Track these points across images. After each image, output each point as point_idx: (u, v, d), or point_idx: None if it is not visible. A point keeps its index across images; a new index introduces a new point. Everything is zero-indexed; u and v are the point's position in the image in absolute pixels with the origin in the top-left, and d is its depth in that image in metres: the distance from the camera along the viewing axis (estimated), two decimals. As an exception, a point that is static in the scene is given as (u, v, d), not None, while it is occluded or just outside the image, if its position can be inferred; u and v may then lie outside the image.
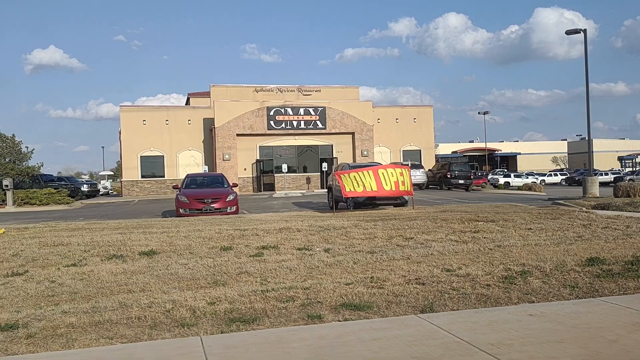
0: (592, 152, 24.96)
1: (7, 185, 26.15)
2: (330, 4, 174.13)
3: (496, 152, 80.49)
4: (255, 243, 10.60)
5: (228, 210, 16.47)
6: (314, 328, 4.73)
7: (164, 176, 38.95)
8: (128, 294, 7.00)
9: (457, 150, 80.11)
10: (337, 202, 20.29)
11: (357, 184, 15.16)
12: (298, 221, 13.74)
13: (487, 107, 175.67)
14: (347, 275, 7.61)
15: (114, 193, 49.27)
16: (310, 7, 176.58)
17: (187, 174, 19.65)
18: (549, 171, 67.91)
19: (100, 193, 45.05)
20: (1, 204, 27.45)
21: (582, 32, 24.17)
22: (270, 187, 38.49)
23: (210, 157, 39.22)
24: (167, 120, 38.87)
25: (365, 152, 39.74)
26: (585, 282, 6.36)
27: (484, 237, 10.65)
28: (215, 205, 16.33)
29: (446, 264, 8.07)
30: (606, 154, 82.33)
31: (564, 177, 61.31)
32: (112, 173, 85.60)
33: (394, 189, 15.60)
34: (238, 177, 37.30)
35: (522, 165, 79.69)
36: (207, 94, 44.39)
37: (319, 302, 5.92)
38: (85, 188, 39.71)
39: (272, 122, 37.96)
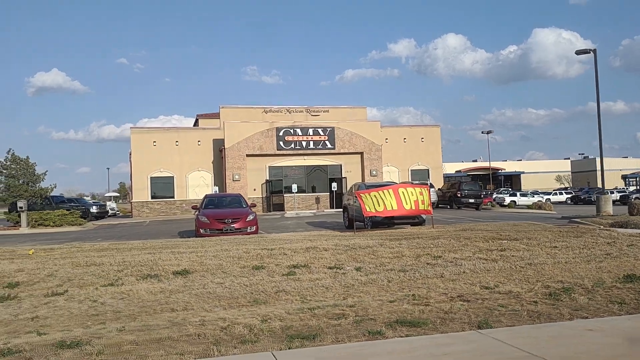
0: (600, 170, 25.03)
1: (21, 207, 26.29)
2: (331, 26, 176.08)
3: (500, 171, 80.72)
4: (285, 262, 10.68)
5: (248, 230, 16.56)
6: (380, 344, 4.81)
7: (173, 197, 39.09)
8: (172, 313, 7.08)
9: (461, 170, 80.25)
10: (353, 221, 20.43)
11: (378, 203, 15.28)
12: (322, 240, 13.82)
13: (488, 126, 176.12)
14: (385, 294, 7.68)
15: (120, 214, 49.33)
16: (311, 28, 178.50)
17: (206, 195, 19.78)
18: (554, 190, 67.95)
19: (109, 214, 45.12)
20: (14, 226, 27.56)
21: (592, 52, 24.47)
22: (280, 207, 38.58)
23: (219, 177, 39.39)
24: (177, 142, 39.15)
25: (374, 172, 39.89)
26: (632, 298, 6.44)
27: (512, 255, 10.72)
28: (235, 225, 16.42)
29: (482, 282, 8.14)
30: (610, 172, 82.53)
31: (569, 195, 61.34)
32: (118, 194, 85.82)
33: (413, 208, 15.71)
34: (248, 197, 37.36)
35: (525, 184, 79.80)
36: (216, 115, 44.73)
37: (371, 319, 6.00)
38: (94, 209, 39.80)
39: (281, 143, 38.21)
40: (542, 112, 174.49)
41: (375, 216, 16.15)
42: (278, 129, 38.25)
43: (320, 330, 5.63)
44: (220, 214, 16.87)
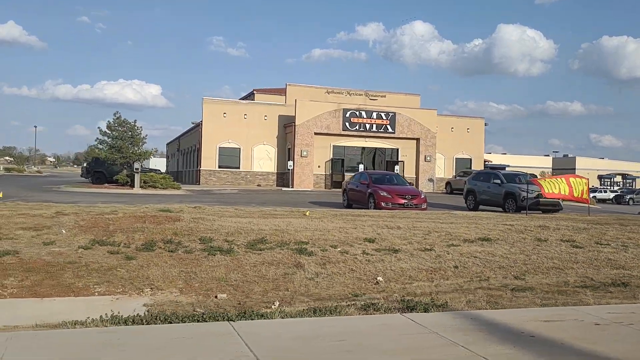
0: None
1: (137, 169, 27.62)
2: (300, 4, 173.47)
3: (487, 163, 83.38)
4: (541, 236, 12.74)
5: (422, 207, 18.56)
6: None
7: (239, 168, 40.65)
8: (563, 271, 9.14)
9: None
10: (478, 204, 22.74)
11: (553, 187, 17.71)
12: (520, 220, 15.89)
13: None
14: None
15: None
16: (280, 4, 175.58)
17: (365, 171, 21.63)
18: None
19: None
20: (125, 186, 28.86)
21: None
22: (339, 185, 40.50)
23: (283, 152, 41.12)
24: (245, 115, 40.57)
25: (428, 158, 42.21)
26: None
27: None
28: (414, 202, 18.44)
29: None
30: (589, 172, 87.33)
31: (563, 191, 64.16)
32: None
33: (579, 195, 18.22)
34: (313, 173, 39.32)
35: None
36: (272, 91, 46.43)
37: None
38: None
39: (347, 124, 40.06)
40: (503, 106, 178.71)
41: (553, 198, 18.33)
42: (345, 110, 40.07)
43: None
44: (399, 190, 18.82)
